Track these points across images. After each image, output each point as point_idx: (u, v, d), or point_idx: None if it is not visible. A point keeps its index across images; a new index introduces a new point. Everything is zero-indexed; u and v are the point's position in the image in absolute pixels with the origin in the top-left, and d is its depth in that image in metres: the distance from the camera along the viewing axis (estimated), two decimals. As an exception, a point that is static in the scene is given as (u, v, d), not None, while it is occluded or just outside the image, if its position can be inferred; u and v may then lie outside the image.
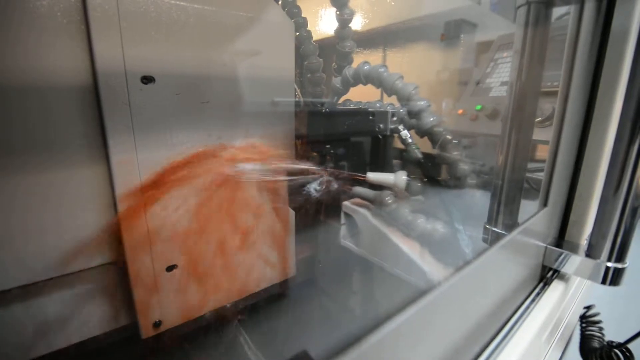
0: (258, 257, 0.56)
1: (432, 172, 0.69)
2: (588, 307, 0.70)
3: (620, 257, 0.45)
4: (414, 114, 0.65)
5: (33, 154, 0.35)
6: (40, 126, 0.35)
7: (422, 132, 0.66)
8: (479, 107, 0.87)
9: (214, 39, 0.45)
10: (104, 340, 0.46)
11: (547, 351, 0.52)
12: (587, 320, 0.67)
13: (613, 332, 0.65)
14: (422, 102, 0.63)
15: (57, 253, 0.39)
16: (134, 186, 0.42)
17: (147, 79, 0.41)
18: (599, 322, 0.66)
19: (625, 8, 0.48)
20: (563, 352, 0.71)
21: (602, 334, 0.66)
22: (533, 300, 0.49)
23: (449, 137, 0.64)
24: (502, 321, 0.44)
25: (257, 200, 0.53)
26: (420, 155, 0.68)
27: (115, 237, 0.42)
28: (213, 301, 0.53)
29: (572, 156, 0.55)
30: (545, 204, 0.52)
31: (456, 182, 0.64)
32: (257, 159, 0.51)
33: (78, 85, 0.37)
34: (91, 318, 0.44)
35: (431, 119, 0.64)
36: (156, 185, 0.44)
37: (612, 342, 0.62)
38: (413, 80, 0.64)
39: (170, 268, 0.47)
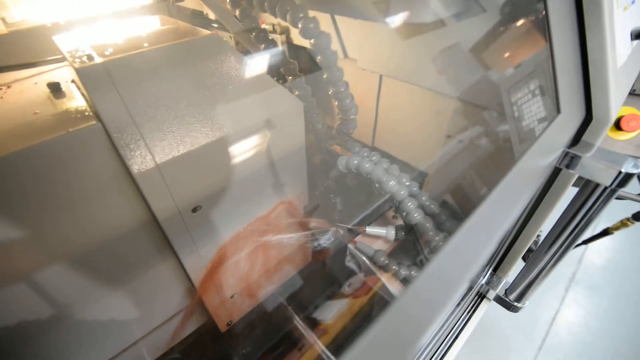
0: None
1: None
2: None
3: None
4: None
5: (132, 268, 0.52)
6: (131, 251, 0.51)
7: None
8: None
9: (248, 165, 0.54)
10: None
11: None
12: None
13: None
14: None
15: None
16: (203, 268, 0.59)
17: (195, 209, 0.52)
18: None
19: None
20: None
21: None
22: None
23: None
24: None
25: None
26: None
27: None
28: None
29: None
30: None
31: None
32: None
33: (142, 224, 0.50)
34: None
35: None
36: (218, 262, 0.61)
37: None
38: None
39: (232, 296, 0.70)
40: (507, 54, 0.68)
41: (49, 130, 0.40)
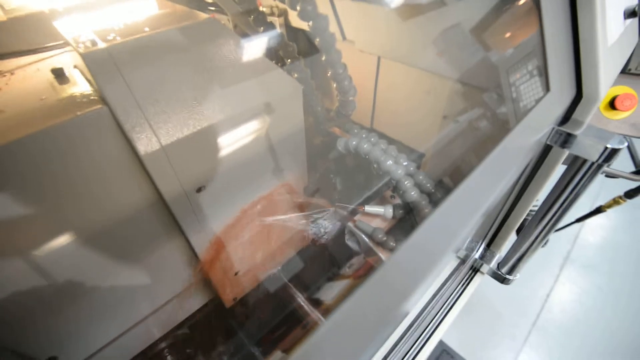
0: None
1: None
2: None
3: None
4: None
5: (142, 246, 0.55)
6: (141, 230, 0.54)
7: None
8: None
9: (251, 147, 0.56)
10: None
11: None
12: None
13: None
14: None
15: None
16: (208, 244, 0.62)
17: (199, 190, 0.55)
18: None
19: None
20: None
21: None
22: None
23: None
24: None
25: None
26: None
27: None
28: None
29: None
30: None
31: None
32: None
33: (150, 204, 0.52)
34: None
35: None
36: (222, 240, 0.64)
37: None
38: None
39: (236, 273, 0.73)
40: (506, 35, 0.68)
41: (57, 115, 0.42)
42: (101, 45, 0.44)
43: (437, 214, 0.29)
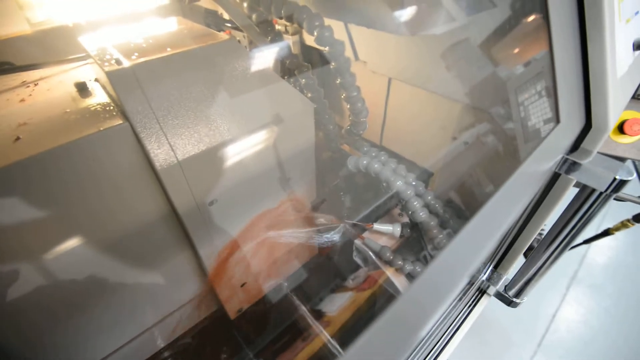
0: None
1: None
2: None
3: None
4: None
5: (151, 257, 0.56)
6: (151, 242, 0.55)
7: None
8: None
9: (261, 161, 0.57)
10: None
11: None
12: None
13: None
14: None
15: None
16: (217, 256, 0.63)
17: (211, 203, 0.56)
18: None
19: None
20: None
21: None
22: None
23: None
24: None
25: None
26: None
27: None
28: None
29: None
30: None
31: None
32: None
33: (163, 216, 0.53)
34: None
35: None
36: (230, 252, 0.65)
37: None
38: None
39: (243, 284, 0.73)
40: (514, 55, 0.69)
41: (81, 128, 0.43)
42: (126, 64, 0.45)
43: (453, 244, 0.30)
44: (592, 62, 0.42)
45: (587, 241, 1.13)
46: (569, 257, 1.82)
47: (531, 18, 0.64)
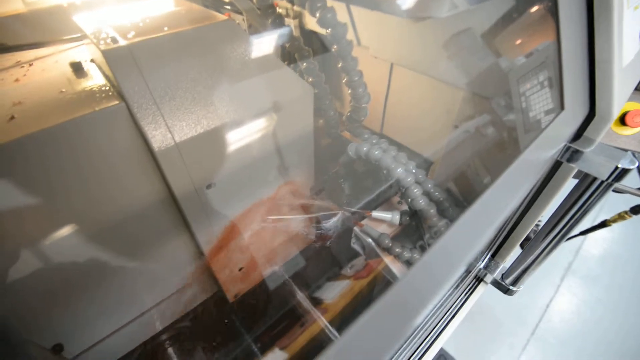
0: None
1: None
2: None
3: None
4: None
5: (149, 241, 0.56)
6: (149, 225, 0.55)
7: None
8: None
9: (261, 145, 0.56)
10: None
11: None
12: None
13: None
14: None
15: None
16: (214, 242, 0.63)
17: (209, 186, 0.55)
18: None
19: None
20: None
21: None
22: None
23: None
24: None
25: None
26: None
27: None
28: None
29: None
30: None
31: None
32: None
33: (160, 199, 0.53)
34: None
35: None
36: (227, 236, 0.65)
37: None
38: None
39: (240, 269, 0.74)
40: (517, 45, 0.68)
41: (76, 109, 0.42)
42: (122, 42, 0.44)
43: (452, 231, 0.30)
44: (598, 50, 0.41)
45: (584, 232, 1.14)
46: (564, 248, 1.85)
47: (535, 8, 0.62)
